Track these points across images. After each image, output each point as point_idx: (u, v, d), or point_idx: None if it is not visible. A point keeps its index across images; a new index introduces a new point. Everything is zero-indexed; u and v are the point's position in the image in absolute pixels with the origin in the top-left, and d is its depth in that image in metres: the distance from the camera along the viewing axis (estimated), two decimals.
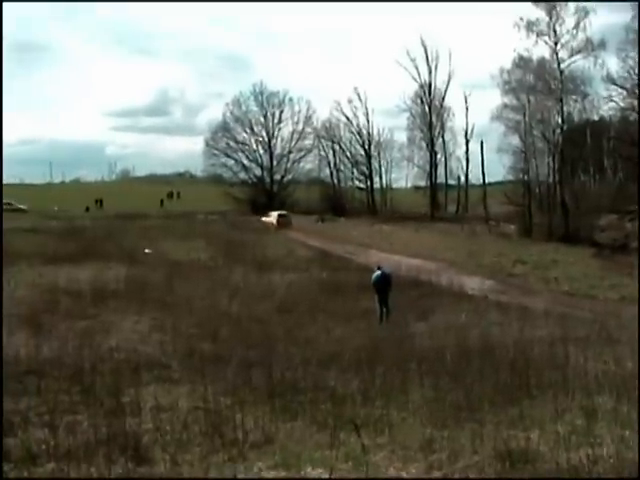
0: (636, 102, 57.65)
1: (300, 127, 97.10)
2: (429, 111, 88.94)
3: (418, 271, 33.98)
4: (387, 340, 19.00)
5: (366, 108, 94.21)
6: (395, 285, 25.68)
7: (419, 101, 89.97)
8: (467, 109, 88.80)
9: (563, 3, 62.39)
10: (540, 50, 63.63)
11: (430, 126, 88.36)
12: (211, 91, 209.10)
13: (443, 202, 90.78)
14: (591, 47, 61.58)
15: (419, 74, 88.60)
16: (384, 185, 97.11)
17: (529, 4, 63.88)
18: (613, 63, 64.42)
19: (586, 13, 61.74)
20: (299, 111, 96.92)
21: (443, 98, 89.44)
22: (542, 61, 63.86)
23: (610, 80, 60.55)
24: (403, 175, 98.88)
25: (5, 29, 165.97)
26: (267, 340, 18.11)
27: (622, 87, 58.77)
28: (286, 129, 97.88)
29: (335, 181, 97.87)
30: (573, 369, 12.80)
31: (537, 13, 63.04)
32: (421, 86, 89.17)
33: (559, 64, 62.92)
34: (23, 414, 9.64)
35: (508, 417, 9.22)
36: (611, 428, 8.01)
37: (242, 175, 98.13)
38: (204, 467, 7.47)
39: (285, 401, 10.62)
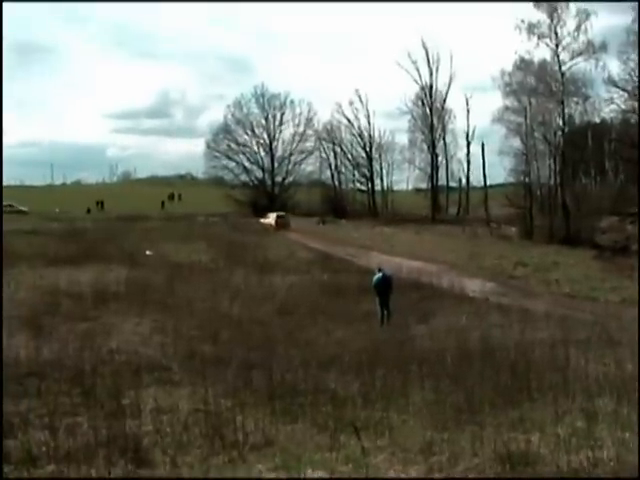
0: (637, 104, 57.68)
1: (301, 129, 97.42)
2: (430, 113, 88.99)
3: (419, 273, 33.97)
4: (388, 342, 19.00)
5: (367, 110, 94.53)
6: (396, 287, 25.67)
7: (420, 103, 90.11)
8: (468, 111, 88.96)
9: (564, 5, 62.42)
10: (541, 52, 63.79)
11: (431, 128, 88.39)
12: (212, 93, 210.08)
13: (444, 204, 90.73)
14: (592, 49, 61.70)
15: (420, 76, 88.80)
16: (385, 187, 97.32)
17: (530, 7, 63.91)
18: (614, 65, 64.53)
19: (587, 15, 61.88)
20: (300, 113, 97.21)
21: (444, 100, 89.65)
22: (543, 63, 63.95)
23: (611, 82, 60.61)
24: (404, 177, 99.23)
25: (7, 31, 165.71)
26: (268, 342, 18.11)
27: (623, 89, 58.82)
28: (287, 131, 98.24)
29: (336, 183, 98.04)
30: (574, 371, 12.79)
31: (538, 15, 63.14)
32: (422, 88, 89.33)
33: (560, 66, 62.99)
34: (23, 416, 9.62)
35: (508, 419, 9.21)
36: (612, 431, 7.99)
37: (243, 177, 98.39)
38: (204, 469, 7.47)
39: (285, 403, 10.62)
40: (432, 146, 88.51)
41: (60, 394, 10.98)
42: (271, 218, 70.41)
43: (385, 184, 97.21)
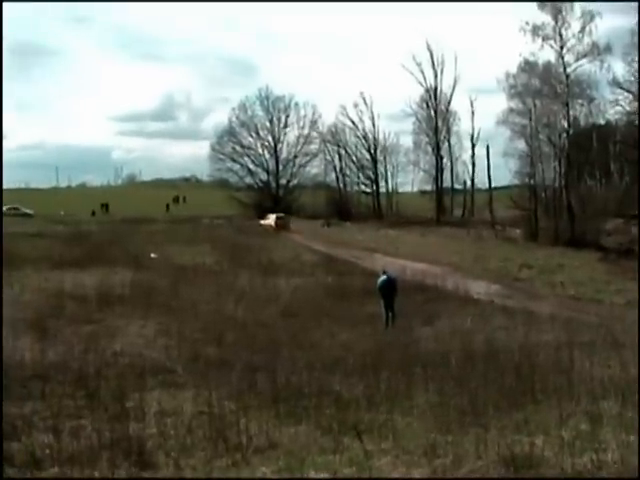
0: (637, 105, 57.66)
1: (306, 131, 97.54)
2: (435, 115, 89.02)
3: (424, 275, 33.95)
4: (392, 345, 18.98)
5: (372, 112, 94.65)
6: (401, 289, 25.65)
7: (425, 105, 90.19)
8: (473, 113, 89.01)
9: (569, 7, 62.33)
10: (546, 54, 63.68)
11: (436, 130, 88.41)
12: (217, 96, 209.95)
13: (449, 206, 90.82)
14: (597, 51, 61.61)
15: (425, 78, 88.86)
16: (390, 189, 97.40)
17: (535, 8, 63.85)
18: (619, 67, 64.49)
19: (592, 17, 61.77)
20: (305, 115, 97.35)
21: (449, 102, 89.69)
22: (548, 65, 63.82)
23: (616, 84, 60.56)
24: (409, 179, 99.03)
25: (12, 33, 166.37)
26: (272, 345, 18.12)
27: (628, 91, 58.76)
28: (292, 134, 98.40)
29: (341, 185, 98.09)
30: (578, 374, 12.76)
31: (543, 17, 63.02)
32: (427, 90, 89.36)
33: (565, 68, 62.90)
34: (27, 418, 9.63)
35: (513, 422, 9.18)
36: (616, 433, 7.96)
37: (248, 179, 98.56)
38: (208, 472, 7.46)
39: (290, 406, 10.60)
40: (437, 148, 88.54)
41: (64, 397, 10.99)
42: (271, 219, 71.84)
43: (390, 186, 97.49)
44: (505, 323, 23.10)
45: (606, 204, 63.03)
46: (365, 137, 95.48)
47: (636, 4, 53.98)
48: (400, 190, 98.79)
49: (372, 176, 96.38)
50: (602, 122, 68.72)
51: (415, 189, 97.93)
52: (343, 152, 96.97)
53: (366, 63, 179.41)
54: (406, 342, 19.29)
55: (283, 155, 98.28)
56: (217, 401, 10.59)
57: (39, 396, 10.98)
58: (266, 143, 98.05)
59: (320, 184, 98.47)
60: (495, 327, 22.28)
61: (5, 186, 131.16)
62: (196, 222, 71.79)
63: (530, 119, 64.65)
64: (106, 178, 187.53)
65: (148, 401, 10.89)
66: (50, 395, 11.04)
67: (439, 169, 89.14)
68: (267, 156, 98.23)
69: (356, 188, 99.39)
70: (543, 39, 62.77)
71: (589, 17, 61.75)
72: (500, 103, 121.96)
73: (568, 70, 62.84)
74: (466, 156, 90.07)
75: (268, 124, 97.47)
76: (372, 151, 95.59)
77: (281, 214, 74.75)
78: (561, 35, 62.60)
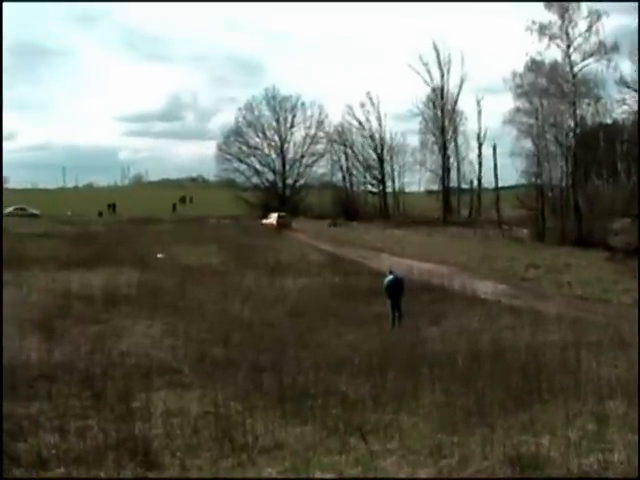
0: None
1: (312, 131, 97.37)
2: (441, 115, 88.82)
3: (430, 275, 33.89)
4: (399, 345, 18.96)
5: (378, 112, 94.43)
6: (407, 289, 25.59)
7: (431, 105, 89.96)
8: (479, 113, 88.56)
9: (575, 6, 62.17)
10: (552, 53, 63.42)
11: (442, 130, 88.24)
12: (223, 96, 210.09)
13: (456, 206, 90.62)
14: (604, 50, 61.35)
15: (431, 78, 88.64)
16: (396, 189, 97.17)
17: (541, 8, 63.67)
18: (626, 66, 64.11)
19: (598, 16, 61.50)
20: (311, 115, 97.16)
21: (455, 102, 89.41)
22: (555, 64, 63.62)
23: (623, 83, 60.49)
24: (416, 179, 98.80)
25: (18, 34, 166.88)
26: (278, 345, 18.10)
27: (635, 90, 58.60)
28: (298, 133, 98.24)
29: (347, 185, 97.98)
30: (585, 374, 12.75)
31: (549, 16, 62.78)
32: (433, 90, 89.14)
33: (572, 67, 62.72)
34: (34, 419, 9.65)
35: (519, 422, 9.18)
36: (622, 433, 7.95)
37: (255, 180, 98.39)
38: (213, 472, 7.47)
39: (296, 406, 10.61)
40: (443, 148, 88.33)
41: (70, 397, 11.02)
42: (272, 218, 72.56)
43: (396, 186, 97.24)
44: (512, 323, 23.05)
45: (613, 203, 62.87)
46: (372, 137, 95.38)
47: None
48: (407, 190, 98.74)
49: (379, 176, 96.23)
50: (609, 121, 68.60)
51: (422, 189, 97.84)
52: (350, 152, 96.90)
53: (373, 63, 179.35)
54: (413, 342, 19.27)
55: (290, 155, 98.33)
56: (223, 401, 10.61)
57: (46, 396, 11.01)
58: (273, 143, 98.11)
59: (327, 184, 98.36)
60: (502, 327, 22.24)
61: (12, 186, 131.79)
62: (203, 222, 71.86)
63: (537, 118, 64.45)
64: (113, 178, 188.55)
65: (154, 401, 10.91)
66: (56, 395, 11.07)
67: (446, 169, 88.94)
68: (274, 156, 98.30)
69: (363, 188, 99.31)
70: (550, 38, 62.61)
71: (596, 16, 61.58)
72: (507, 102, 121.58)
73: (575, 69, 62.71)
74: (473, 156, 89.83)
75: (275, 124, 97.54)
76: (379, 151, 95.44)
77: (282, 213, 75.20)
78: (568, 34, 62.44)
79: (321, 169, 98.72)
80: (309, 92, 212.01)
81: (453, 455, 7.53)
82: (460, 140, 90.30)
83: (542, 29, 62.49)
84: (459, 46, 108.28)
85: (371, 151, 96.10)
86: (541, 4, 63.56)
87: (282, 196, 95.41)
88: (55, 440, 8.51)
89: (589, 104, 63.85)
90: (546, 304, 28.17)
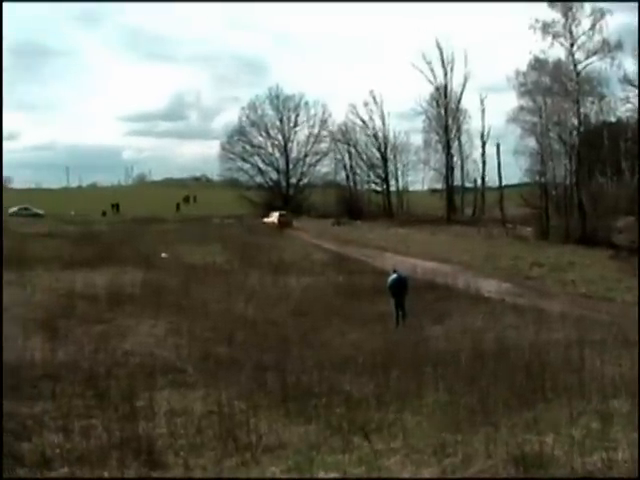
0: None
1: (316, 130, 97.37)
2: (445, 114, 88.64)
3: (434, 274, 33.87)
4: (403, 344, 18.95)
5: (382, 111, 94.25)
6: (411, 288, 25.61)
7: (435, 104, 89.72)
8: (483, 111, 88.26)
9: (579, 4, 62.04)
10: (556, 52, 63.24)
11: (446, 129, 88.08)
12: (227, 95, 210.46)
13: (459, 205, 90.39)
14: (608, 48, 61.18)
15: (435, 77, 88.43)
16: (400, 188, 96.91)
17: (545, 6, 63.50)
18: (630, 64, 63.96)
19: (602, 14, 61.33)
20: (315, 114, 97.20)
21: (459, 101, 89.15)
22: (558, 63, 63.46)
23: (627, 81, 60.41)
24: (419, 178, 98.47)
25: (21, 34, 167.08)
26: (282, 344, 18.11)
27: (639, 88, 58.47)
28: (302, 133, 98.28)
29: (351, 184, 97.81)
30: (589, 372, 12.73)
31: (553, 15, 62.64)
32: (437, 89, 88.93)
33: (575, 65, 62.57)
34: (38, 418, 9.66)
35: (523, 421, 9.16)
36: (627, 432, 7.93)
37: (258, 179, 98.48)
38: (217, 472, 7.47)
39: (299, 405, 10.61)
40: (447, 146, 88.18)
41: (74, 396, 11.03)
42: (274, 217, 73.03)
43: (400, 185, 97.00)
44: (516, 321, 23.04)
45: (617, 202, 62.75)
46: (375, 136, 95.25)
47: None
48: (410, 189, 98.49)
49: (382, 175, 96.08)
50: (613, 119, 68.42)
51: (425, 187, 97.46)
52: (353, 151, 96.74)
53: (376, 62, 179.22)
54: (416, 341, 19.27)
55: (293, 154, 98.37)
56: (227, 400, 10.61)
57: (49, 396, 11.02)
58: (276, 142, 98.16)
59: (330, 183, 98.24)
60: (506, 325, 22.25)
61: (16, 186, 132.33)
62: (206, 222, 71.90)
63: (540, 117, 64.34)
64: (116, 178, 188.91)
65: (158, 401, 10.92)
66: (60, 395, 11.07)
67: (449, 167, 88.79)
68: (277, 155, 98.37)
69: (366, 187, 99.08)
70: (553, 36, 62.44)
71: (599, 14, 61.41)
72: (510, 101, 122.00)
73: (578, 67, 62.55)
74: (476, 154, 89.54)
75: (278, 123, 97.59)
76: (382, 150, 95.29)
77: (284, 212, 75.66)
78: (571, 32, 62.28)
79: (325, 168, 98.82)
80: (312, 91, 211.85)
81: (457, 454, 7.51)
82: (464, 139, 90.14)
83: (545, 27, 62.36)
84: (462, 44, 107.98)
85: (375, 150, 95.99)
86: (544, 2, 63.58)
87: (286, 195, 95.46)
88: (59, 440, 8.52)
89: (593, 102, 63.75)
90: (550, 302, 28.15)
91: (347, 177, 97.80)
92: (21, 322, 18.84)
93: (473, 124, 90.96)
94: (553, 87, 63.44)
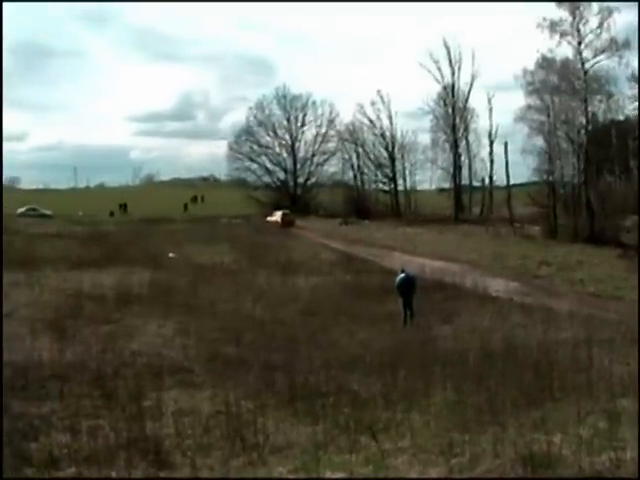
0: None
1: (323, 130, 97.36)
2: (452, 113, 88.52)
3: (442, 273, 33.81)
4: (411, 343, 18.93)
5: (389, 110, 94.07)
6: (419, 288, 25.56)
7: (442, 103, 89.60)
8: (491, 110, 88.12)
9: (586, 3, 61.89)
10: (564, 50, 63.05)
11: (454, 128, 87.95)
12: (234, 95, 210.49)
13: (467, 204, 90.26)
14: (615, 47, 60.97)
15: (442, 76, 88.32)
16: (408, 187, 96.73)
17: (552, 5, 63.34)
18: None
19: (610, 12, 61.09)
20: (322, 114, 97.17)
21: (466, 100, 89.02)
22: (566, 61, 63.30)
23: (635, 79, 60.14)
24: (427, 177, 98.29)
25: (29, 35, 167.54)
26: (290, 343, 18.10)
27: None
28: (309, 132, 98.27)
29: (359, 184, 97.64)
30: (597, 371, 12.69)
31: (560, 13, 62.46)
32: (444, 88, 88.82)
33: (583, 64, 62.37)
34: (46, 418, 9.68)
35: (530, 420, 9.14)
36: (634, 431, 7.90)
37: (266, 179, 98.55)
38: (224, 472, 7.47)
39: (307, 405, 10.60)
40: (454, 146, 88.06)
41: (82, 396, 11.06)
42: (277, 216, 73.37)
43: (408, 184, 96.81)
44: (524, 321, 22.98)
45: (625, 200, 62.49)
46: (383, 135, 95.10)
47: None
48: (418, 188, 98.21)
49: (390, 174, 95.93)
50: (621, 118, 68.19)
51: (433, 187, 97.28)
52: (361, 150, 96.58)
53: (383, 61, 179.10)
54: (424, 340, 19.25)
55: (301, 154, 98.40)
56: (234, 400, 10.61)
57: (57, 396, 11.05)
58: (284, 142, 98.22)
59: (338, 182, 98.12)
60: (514, 325, 22.19)
61: (24, 187, 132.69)
62: (214, 221, 71.93)
63: (548, 116, 64.19)
64: (124, 178, 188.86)
65: (165, 401, 10.94)
66: (68, 395, 11.10)
67: (457, 167, 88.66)
68: (285, 155, 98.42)
69: (374, 186, 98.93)
70: (561, 35, 62.25)
71: (607, 12, 61.15)
72: (518, 100, 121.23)
73: (586, 66, 62.35)
74: (484, 153, 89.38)
75: (286, 123, 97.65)
76: (390, 149, 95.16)
77: (287, 211, 76.06)
78: (579, 31, 62.09)
79: (332, 168, 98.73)
80: (320, 91, 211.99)
81: (464, 454, 7.50)
82: (471, 138, 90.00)
83: (553, 26, 62.18)
84: (470, 43, 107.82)
85: (382, 149, 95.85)
86: (552, 1, 63.44)
87: (293, 195, 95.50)
88: (67, 440, 8.53)
89: (601, 101, 63.55)
90: (558, 301, 28.07)
91: (355, 177, 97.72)
92: (29, 322, 18.89)
93: (481, 123, 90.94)
94: (561, 86, 63.28)
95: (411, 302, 24.64)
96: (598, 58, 61.82)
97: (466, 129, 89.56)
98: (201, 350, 17.01)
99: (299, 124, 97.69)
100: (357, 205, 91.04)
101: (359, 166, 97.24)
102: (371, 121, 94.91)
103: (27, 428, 9.05)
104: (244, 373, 13.32)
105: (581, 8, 61.65)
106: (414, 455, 7.61)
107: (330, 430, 9.16)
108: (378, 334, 21.02)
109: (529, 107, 65.56)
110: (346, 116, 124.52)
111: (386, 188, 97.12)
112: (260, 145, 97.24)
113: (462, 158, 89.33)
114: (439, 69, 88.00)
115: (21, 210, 74.73)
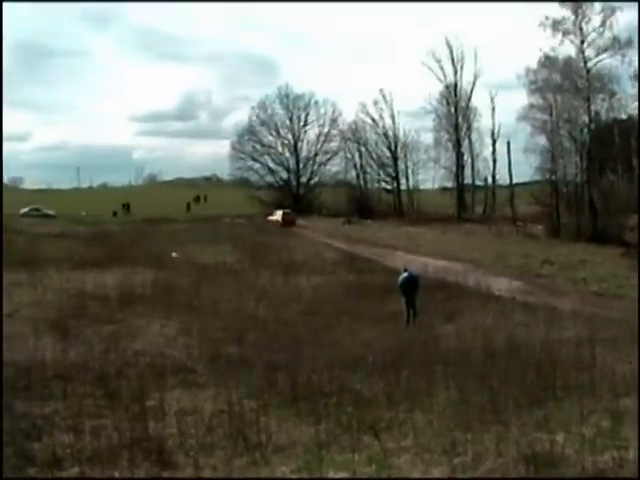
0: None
1: (326, 129, 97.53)
2: (455, 112, 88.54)
3: (445, 272, 33.79)
4: (413, 342, 18.94)
5: (392, 110, 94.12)
6: (422, 287, 25.57)
7: (445, 102, 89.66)
8: (493, 109, 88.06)
9: (589, 2, 61.86)
10: (566, 49, 63.14)
11: (456, 127, 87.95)
12: (237, 95, 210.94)
13: (470, 203, 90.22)
14: (618, 45, 61.05)
15: (445, 75, 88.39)
16: (411, 187, 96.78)
17: (555, 3, 63.37)
18: None
19: (612, 11, 61.16)
20: (325, 113, 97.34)
21: (469, 99, 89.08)
22: (568, 60, 63.32)
23: (637, 78, 60.03)
24: (430, 176, 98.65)
25: (33, 35, 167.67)
26: (293, 343, 18.12)
27: None
28: (312, 132, 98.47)
29: (361, 183, 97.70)
30: (600, 370, 12.67)
31: (563, 12, 62.51)
32: (447, 87, 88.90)
33: (586, 63, 62.43)
34: (49, 418, 9.69)
35: (533, 419, 9.13)
36: (638, 431, 7.89)
37: (268, 178, 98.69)
38: (227, 471, 7.47)
39: (310, 404, 10.60)
40: (457, 145, 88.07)
41: (85, 396, 11.06)
42: (277, 215, 73.76)
43: (411, 183, 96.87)
44: (526, 320, 22.97)
45: (628, 199, 62.39)
46: (385, 134, 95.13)
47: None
48: (421, 187, 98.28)
49: (393, 173, 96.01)
50: (624, 117, 68.09)
51: (436, 186, 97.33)
52: (363, 150, 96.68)
53: (385, 61, 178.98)
54: (427, 339, 19.27)
55: (303, 153, 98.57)
56: (237, 400, 10.61)
57: (60, 396, 11.05)
58: (286, 141, 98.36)
59: (341, 182, 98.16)
60: (516, 324, 22.18)
61: (27, 187, 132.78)
62: (217, 221, 71.93)
63: (551, 114, 64.20)
64: (127, 178, 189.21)
65: (168, 400, 10.94)
66: (71, 395, 11.11)
67: (460, 166, 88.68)
68: (287, 154, 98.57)
69: (377, 185, 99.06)
70: (563, 34, 62.31)
71: (610, 11, 61.22)
72: (521, 99, 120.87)
73: (589, 65, 62.43)
74: (487, 152, 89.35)
75: (288, 122, 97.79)
76: (392, 148, 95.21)
77: (287, 210, 76.35)
78: (581, 29, 62.16)
79: (335, 167, 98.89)
80: (322, 90, 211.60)
81: (467, 453, 7.49)
82: (474, 137, 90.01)
83: (555, 25, 62.25)
84: (472, 42, 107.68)
85: (385, 149, 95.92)
86: (555, 0, 63.40)
87: (296, 194, 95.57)
88: (70, 439, 8.53)
89: (603, 99, 63.61)
90: (561, 300, 28.07)
91: (357, 176, 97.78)
92: (32, 322, 18.91)
93: (483, 122, 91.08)
94: (563, 84, 63.29)
95: (414, 301, 24.67)
96: (601, 57, 62.00)
97: (469, 128, 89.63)
98: (204, 350, 17.02)
99: (301, 123, 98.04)
100: (360, 204, 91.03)
101: (362, 165, 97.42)
102: (374, 120, 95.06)
103: (30, 428, 9.06)
104: (247, 373, 13.32)
105: (583, 7, 61.80)
106: (417, 454, 7.60)
107: (333, 429, 9.16)
108: (381, 333, 21.05)
109: (532, 106, 65.67)
110: (348, 115, 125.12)
111: (389, 187, 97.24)
112: (263, 145, 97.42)
113: (465, 157, 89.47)
114: (441, 68, 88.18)
115: (24, 210, 74.81)
